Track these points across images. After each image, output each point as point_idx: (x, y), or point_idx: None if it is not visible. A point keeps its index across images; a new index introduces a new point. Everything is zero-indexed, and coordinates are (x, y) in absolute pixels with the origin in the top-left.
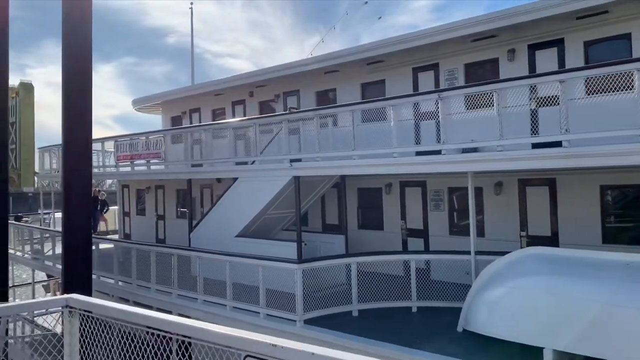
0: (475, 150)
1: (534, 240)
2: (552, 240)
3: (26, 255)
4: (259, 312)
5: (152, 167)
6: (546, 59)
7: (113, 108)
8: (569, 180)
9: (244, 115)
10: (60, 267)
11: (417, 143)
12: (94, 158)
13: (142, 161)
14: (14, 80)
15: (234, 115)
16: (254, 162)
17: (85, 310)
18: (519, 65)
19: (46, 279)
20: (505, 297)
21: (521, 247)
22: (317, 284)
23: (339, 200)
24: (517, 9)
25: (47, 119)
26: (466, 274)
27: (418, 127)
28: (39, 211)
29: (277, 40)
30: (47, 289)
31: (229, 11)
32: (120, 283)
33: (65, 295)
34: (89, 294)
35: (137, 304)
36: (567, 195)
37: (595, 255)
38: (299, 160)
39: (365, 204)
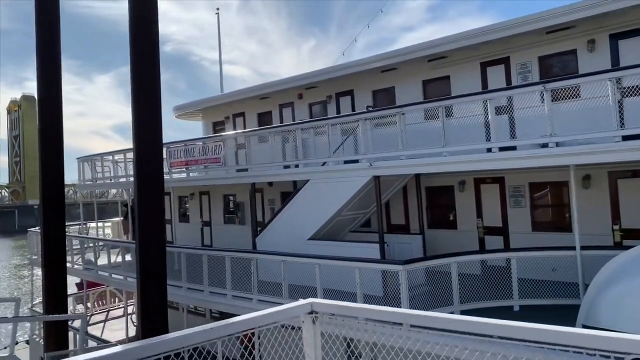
0: (557, 144)
1: (628, 234)
2: None
3: (76, 266)
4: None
5: (195, 173)
6: (631, 50)
7: (112, 118)
8: None
9: (293, 118)
10: (117, 276)
11: (512, 137)
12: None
13: (199, 166)
14: (16, 94)
15: (281, 119)
16: (324, 163)
17: (330, 315)
18: (600, 56)
19: (76, 290)
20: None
21: (614, 241)
22: (397, 286)
23: (404, 200)
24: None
25: None
26: (552, 271)
27: (512, 121)
28: (79, 222)
29: (274, 45)
30: (78, 300)
31: (224, 17)
32: (186, 290)
33: (309, 300)
34: (163, 298)
35: (210, 312)
36: None
37: None
38: (377, 159)
39: (436, 203)
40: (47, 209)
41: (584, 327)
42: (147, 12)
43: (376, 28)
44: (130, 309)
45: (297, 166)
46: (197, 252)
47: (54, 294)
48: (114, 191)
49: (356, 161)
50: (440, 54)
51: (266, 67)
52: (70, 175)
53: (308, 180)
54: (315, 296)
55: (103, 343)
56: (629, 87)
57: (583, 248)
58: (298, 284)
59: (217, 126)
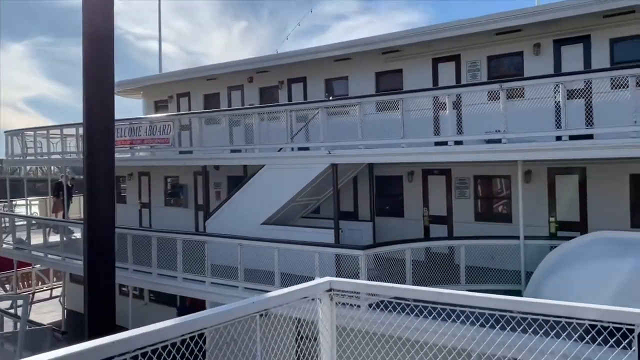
0: (499, 141)
1: (563, 226)
2: (581, 226)
3: (5, 246)
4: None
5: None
6: (572, 56)
7: (27, 90)
8: (598, 169)
9: (242, 101)
10: (53, 256)
11: (459, 132)
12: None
13: (145, 146)
14: None
15: (229, 101)
16: (280, 149)
17: (344, 292)
18: (544, 59)
19: None
20: (585, 278)
21: (550, 232)
22: (354, 271)
23: (354, 188)
24: (544, 7)
25: None
26: (491, 258)
27: (460, 117)
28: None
29: (204, 24)
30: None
31: None
32: (133, 272)
33: (328, 278)
34: (111, 280)
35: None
36: (597, 183)
37: None
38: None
39: (385, 192)
40: None
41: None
42: None
43: (308, 15)
44: (57, 291)
45: (246, 151)
46: (146, 234)
47: None
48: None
49: (307, 148)
50: (394, 47)
51: (195, 46)
52: None
53: (263, 165)
54: (273, 281)
55: (36, 325)
56: (570, 90)
57: (525, 238)
58: (253, 268)
59: (160, 105)
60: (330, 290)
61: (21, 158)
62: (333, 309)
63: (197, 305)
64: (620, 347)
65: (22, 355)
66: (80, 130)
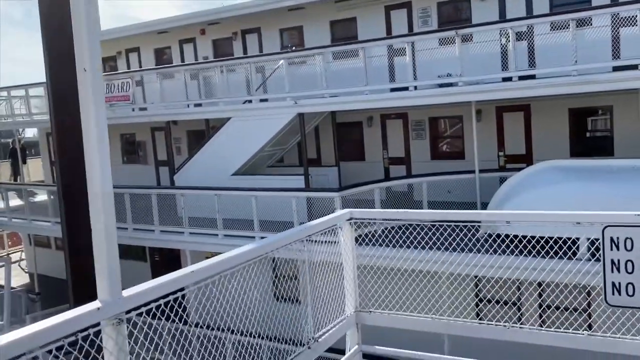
0: (452, 84)
1: (510, 159)
2: (527, 158)
3: None
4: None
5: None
6: (515, 1)
7: None
8: (541, 105)
9: (195, 54)
10: (17, 220)
11: (444, 76)
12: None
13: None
14: None
15: (181, 55)
16: (245, 101)
17: (363, 220)
18: (489, 4)
19: None
20: (539, 202)
21: (499, 165)
22: (325, 212)
23: (316, 136)
24: None
25: None
26: (448, 193)
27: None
28: None
29: None
30: None
31: None
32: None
33: (348, 210)
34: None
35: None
36: (540, 118)
37: (606, 163)
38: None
39: (347, 138)
40: None
41: (488, 235)
42: None
43: None
44: (15, 257)
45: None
46: (119, 191)
47: None
48: None
49: (265, 100)
50: None
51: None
52: None
53: (229, 119)
54: (252, 227)
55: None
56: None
57: (479, 172)
58: (229, 218)
59: (108, 62)
60: (350, 219)
61: None
62: (353, 236)
63: (169, 257)
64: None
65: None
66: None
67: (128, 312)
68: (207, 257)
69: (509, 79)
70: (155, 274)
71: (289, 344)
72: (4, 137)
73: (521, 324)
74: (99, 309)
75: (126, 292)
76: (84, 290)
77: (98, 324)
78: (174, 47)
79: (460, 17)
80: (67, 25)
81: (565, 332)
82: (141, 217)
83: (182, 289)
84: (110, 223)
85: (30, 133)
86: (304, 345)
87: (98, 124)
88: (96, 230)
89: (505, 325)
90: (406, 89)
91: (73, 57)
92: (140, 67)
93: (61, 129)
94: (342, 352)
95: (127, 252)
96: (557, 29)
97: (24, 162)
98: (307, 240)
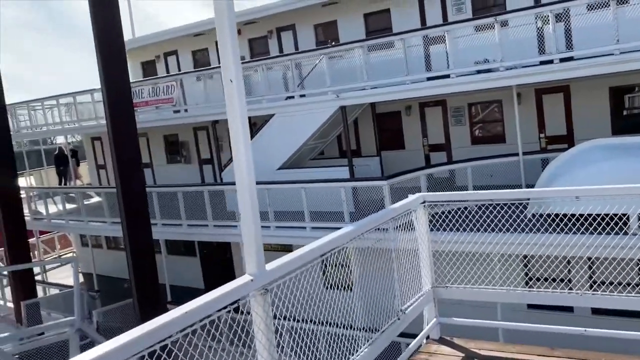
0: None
1: (551, 140)
2: (568, 139)
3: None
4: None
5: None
6: None
7: None
8: (581, 85)
9: None
10: (74, 222)
11: (483, 62)
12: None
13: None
14: None
15: (218, 55)
16: (287, 98)
17: (437, 202)
18: None
19: None
20: (587, 180)
21: (540, 147)
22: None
23: (355, 127)
24: None
25: None
26: (490, 177)
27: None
28: None
29: None
30: None
31: None
32: (162, 226)
33: (421, 194)
34: (150, 236)
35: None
36: (580, 98)
37: None
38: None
39: (386, 127)
40: None
41: (538, 215)
42: None
43: None
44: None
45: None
46: (172, 190)
47: (17, 245)
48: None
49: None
50: None
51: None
52: None
53: (272, 115)
54: (303, 218)
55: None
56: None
57: (525, 154)
58: (278, 210)
59: (147, 66)
60: (423, 202)
61: (28, 130)
62: (427, 216)
63: (218, 251)
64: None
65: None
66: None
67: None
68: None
69: (549, 61)
70: (204, 268)
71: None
72: (42, 144)
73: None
74: (252, 280)
75: (268, 266)
76: (146, 286)
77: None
78: (211, 49)
79: (494, 2)
80: (120, 39)
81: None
82: (193, 213)
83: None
84: (255, 209)
85: (60, 139)
86: (393, 318)
87: (243, 126)
88: (244, 216)
89: (578, 293)
90: (444, 76)
91: (126, 67)
92: (179, 69)
93: (118, 134)
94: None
95: (178, 249)
96: (595, 9)
97: (78, 164)
98: (381, 228)
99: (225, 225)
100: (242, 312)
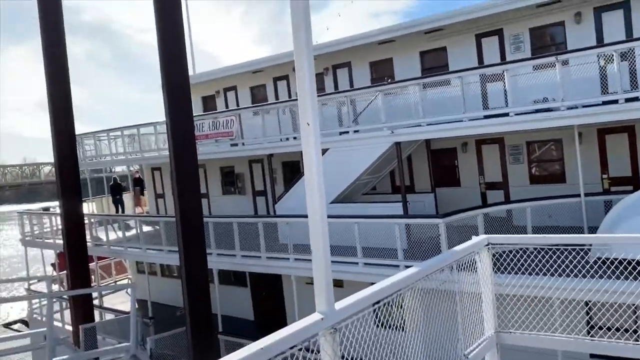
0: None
1: (615, 181)
2: (633, 180)
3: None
4: (397, 265)
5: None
6: (613, 22)
7: (33, 94)
8: None
9: (289, 91)
10: (133, 249)
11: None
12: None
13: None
14: None
15: (275, 91)
16: (341, 133)
17: (501, 245)
18: (585, 27)
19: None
20: None
21: (603, 188)
22: (426, 238)
23: (409, 162)
24: None
25: None
26: (549, 217)
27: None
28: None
29: (200, 11)
30: (53, 266)
31: None
32: (217, 255)
33: (486, 235)
34: (205, 266)
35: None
36: None
37: None
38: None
39: (441, 164)
40: (65, 189)
41: (600, 259)
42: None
43: None
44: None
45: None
46: (228, 220)
47: (79, 270)
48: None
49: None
50: (438, 27)
51: (194, 35)
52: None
53: (326, 150)
54: (355, 253)
55: (124, 314)
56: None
57: (591, 195)
58: (330, 244)
59: (208, 100)
60: (487, 244)
61: (93, 159)
62: (490, 259)
63: (268, 282)
64: None
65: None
66: (158, 129)
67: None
68: (308, 283)
69: (612, 101)
70: (255, 299)
71: None
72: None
73: None
74: (322, 319)
75: (338, 305)
76: (199, 315)
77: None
78: (269, 85)
79: (554, 41)
80: (185, 75)
81: None
82: (246, 244)
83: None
84: (326, 247)
85: (119, 168)
86: None
87: (318, 167)
88: (315, 253)
89: None
90: (503, 114)
91: (189, 102)
92: (237, 104)
93: (180, 166)
94: None
95: (228, 279)
96: None
97: (142, 193)
98: (448, 268)
99: (277, 258)
100: (311, 351)
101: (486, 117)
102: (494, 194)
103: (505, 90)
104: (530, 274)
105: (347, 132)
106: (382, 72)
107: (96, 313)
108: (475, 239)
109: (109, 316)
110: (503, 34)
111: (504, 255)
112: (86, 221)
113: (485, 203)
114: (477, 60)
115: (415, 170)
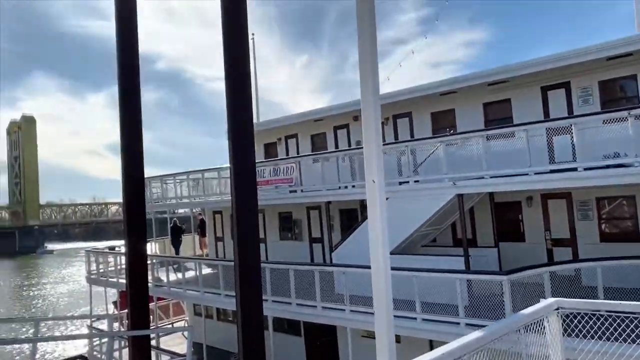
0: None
1: None
2: None
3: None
4: (458, 322)
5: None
6: None
7: (106, 137)
8: None
9: (348, 139)
10: (191, 292)
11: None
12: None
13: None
14: (9, 114)
15: (335, 139)
16: (401, 183)
17: (572, 310)
18: None
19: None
20: None
21: None
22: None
23: (471, 215)
24: None
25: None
26: (623, 278)
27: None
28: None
29: (267, 61)
30: (115, 305)
31: (218, 33)
32: (272, 302)
33: (553, 299)
34: (261, 312)
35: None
36: None
37: None
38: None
39: (504, 218)
40: (131, 230)
41: None
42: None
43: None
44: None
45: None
46: (284, 267)
47: (139, 310)
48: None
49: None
50: (501, 80)
51: (261, 82)
52: (69, 193)
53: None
54: (414, 308)
55: (177, 356)
56: None
57: None
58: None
59: (270, 147)
60: (557, 309)
61: (160, 202)
62: (560, 325)
63: (324, 332)
64: None
65: None
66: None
67: None
68: (364, 336)
69: None
70: (308, 348)
71: None
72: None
73: None
74: None
75: None
76: None
77: None
78: (329, 133)
79: (625, 94)
80: (250, 124)
81: None
82: (302, 292)
83: None
84: (389, 309)
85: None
86: None
87: (382, 223)
88: (378, 315)
89: None
90: (570, 169)
91: (253, 150)
92: (298, 151)
93: (241, 210)
94: None
95: (282, 326)
96: None
97: (204, 235)
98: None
99: (333, 308)
100: None
101: (552, 171)
102: (561, 251)
103: (572, 144)
104: (603, 338)
105: (408, 181)
106: (443, 123)
107: (153, 354)
108: (543, 302)
109: (164, 358)
110: (570, 87)
111: (576, 317)
112: (149, 261)
113: (552, 260)
114: (543, 113)
115: (477, 223)
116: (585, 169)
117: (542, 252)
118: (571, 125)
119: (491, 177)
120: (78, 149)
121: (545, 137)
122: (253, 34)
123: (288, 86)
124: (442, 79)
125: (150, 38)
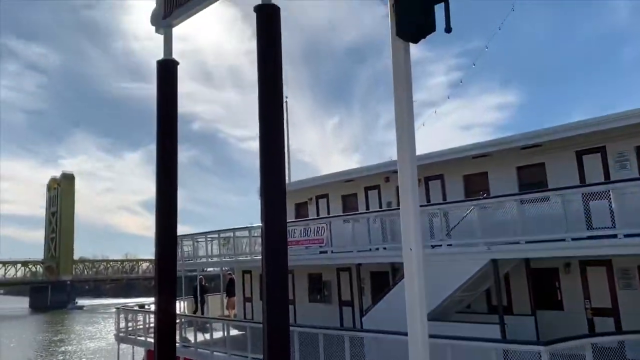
0: None
1: None
2: None
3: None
4: None
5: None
6: None
7: (140, 194)
8: None
9: (379, 200)
10: (218, 354)
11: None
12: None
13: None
14: (50, 172)
15: (366, 200)
16: (433, 246)
17: None
18: None
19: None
20: None
21: None
22: None
23: (506, 281)
24: None
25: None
26: None
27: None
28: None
29: (298, 122)
30: None
31: (250, 96)
32: None
33: None
34: None
35: None
36: None
37: None
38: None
39: (540, 285)
40: (162, 289)
41: None
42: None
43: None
44: None
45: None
46: (313, 331)
47: None
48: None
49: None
50: (535, 144)
51: (292, 142)
52: (101, 249)
53: None
54: None
55: None
56: None
57: None
58: None
59: (300, 207)
60: None
61: (191, 260)
62: None
63: None
64: None
65: None
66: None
67: None
68: None
69: None
70: None
71: None
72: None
73: None
74: None
75: None
76: None
77: None
78: (360, 194)
79: None
80: (282, 184)
81: None
82: (330, 357)
83: None
84: None
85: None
86: None
87: (421, 291)
88: None
89: None
90: (610, 236)
91: (285, 210)
92: (328, 212)
93: (270, 271)
94: None
95: None
96: None
97: (232, 295)
98: None
99: None
100: None
101: (590, 237)
102: (602, 322)
103: (611, 209)
104: None
105: (440, 245)
106: (476, 186)
107: None
108: None
109: None
110: (606, 151)
111: None
112: (177, 320)
113: (593, 331)
114: (578, 177)
115: (513, 290)
116: (625, 236)
117: (581, 321)
118: (609, 190)
119: (527, 242)
120: (113, 206)
121: (582, 202)
122: (287, 97)
123: (319, 146)
124: (473, 141)
125: (188, 99)
